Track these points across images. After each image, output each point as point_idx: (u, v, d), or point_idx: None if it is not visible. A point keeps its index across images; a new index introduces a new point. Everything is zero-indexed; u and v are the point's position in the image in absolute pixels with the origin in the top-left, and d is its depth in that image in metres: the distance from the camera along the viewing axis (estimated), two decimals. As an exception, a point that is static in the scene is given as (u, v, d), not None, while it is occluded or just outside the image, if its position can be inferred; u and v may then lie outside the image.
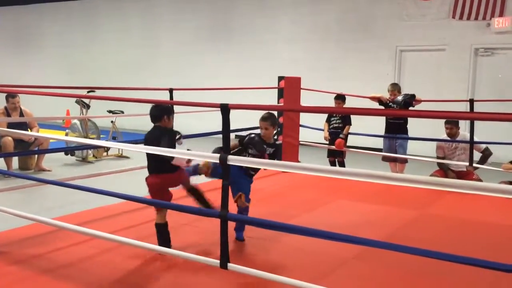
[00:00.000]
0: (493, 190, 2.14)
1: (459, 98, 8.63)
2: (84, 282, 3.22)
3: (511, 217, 5.05)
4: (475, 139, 6.35)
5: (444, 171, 6.54)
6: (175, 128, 3.83)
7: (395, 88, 7.13)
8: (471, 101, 6.43)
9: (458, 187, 2.21)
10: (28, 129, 7.66)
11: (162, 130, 3.67)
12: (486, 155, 6.47)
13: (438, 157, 6.63)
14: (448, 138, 6.47)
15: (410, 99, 6.84)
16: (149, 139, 3.67)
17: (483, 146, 6.51)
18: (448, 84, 10.06)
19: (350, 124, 7.28)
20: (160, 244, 3.58)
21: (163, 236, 3.65)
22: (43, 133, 8.11)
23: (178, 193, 5.01)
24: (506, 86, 9.66)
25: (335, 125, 7.37)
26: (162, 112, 3.73)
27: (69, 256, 3.63)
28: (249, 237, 3.99)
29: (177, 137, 3.75)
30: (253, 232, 3.85)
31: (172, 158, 3.40)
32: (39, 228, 4.05)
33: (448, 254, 2.27)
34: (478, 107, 6.42)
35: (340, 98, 7.38)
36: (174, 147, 3.63)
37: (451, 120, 6.26)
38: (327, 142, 7.41)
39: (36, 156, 7.90)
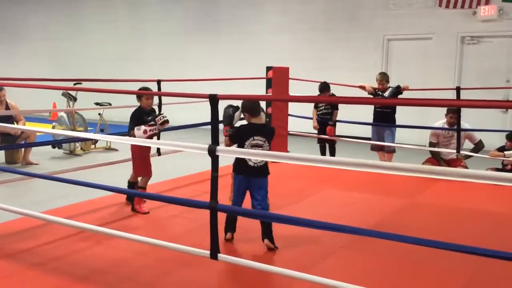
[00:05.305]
0: (480, 177, 2.16)
1: (446, 86, 8.67)
2: (73, 276, 3.22)
3: (498, 203, 5.11)
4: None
5: (436, 159, 6.58)
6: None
7: (383, 77, 7.15)
8: (458, 89, 6.46)
9: (446, 175, 2.23)
10: (14, 123, 7.57)
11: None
12: (478, 148, 6.53)
13: (430, 143, 6.65)
14: (443, 126, 6.50)
15: (398, 89, 6.90)
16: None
17: (477, 138, 6.57)
18: (435, 72, 10.11)
19: (337, 109, 7.40)
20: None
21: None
22: (30, 126, 8.02)
23: (169, 185, 5.00)
24: (492, 74, 9.73)
25: (324, 111, 7.44)
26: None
27: (58, 249, 3.62)
28: (239, 228, 4.00)
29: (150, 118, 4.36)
30: (244, 222, 3.85)
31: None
32: (28, 222, 4.03)
33: (436, 241, 2.29)
34: (465, 95, 6.45)
35: (324, 89, 7.27)
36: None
37: (453, 109, 6.25)
38: (316, 131, 7.46)
39: (23, 149, 7.82)
